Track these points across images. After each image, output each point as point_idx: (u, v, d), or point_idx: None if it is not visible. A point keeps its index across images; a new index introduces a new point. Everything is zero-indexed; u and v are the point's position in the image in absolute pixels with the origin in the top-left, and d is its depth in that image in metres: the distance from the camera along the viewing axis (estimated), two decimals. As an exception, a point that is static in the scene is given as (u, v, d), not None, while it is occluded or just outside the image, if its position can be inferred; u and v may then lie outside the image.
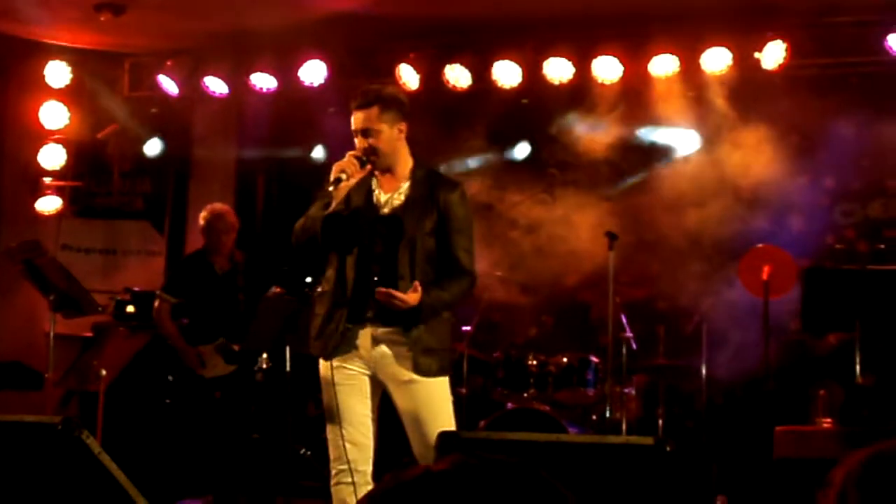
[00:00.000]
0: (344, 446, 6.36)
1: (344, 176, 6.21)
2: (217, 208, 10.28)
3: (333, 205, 6.26)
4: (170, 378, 10.05)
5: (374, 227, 6.43)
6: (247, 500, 10.04)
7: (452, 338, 6.76)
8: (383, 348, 6.37)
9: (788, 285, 9.53)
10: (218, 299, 10.06)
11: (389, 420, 6.73)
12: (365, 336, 6.38)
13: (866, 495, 2.42)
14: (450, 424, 6.38)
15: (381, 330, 6.39)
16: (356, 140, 6.40)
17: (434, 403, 6.39)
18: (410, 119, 6.57)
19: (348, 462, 6.32)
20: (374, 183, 6.51)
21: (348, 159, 6.28)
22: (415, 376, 6.35)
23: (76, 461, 4.28)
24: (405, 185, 6.50)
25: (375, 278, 6.32)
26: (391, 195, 6.49)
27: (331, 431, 6.42)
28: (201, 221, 10.22)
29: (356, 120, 6.39)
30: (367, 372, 6.41)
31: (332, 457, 6.42)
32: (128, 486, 4.33)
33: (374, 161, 6.38)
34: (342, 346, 6.39)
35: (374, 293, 6.24)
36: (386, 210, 6.47)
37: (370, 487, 6.31)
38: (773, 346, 9.50)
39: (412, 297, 6.21)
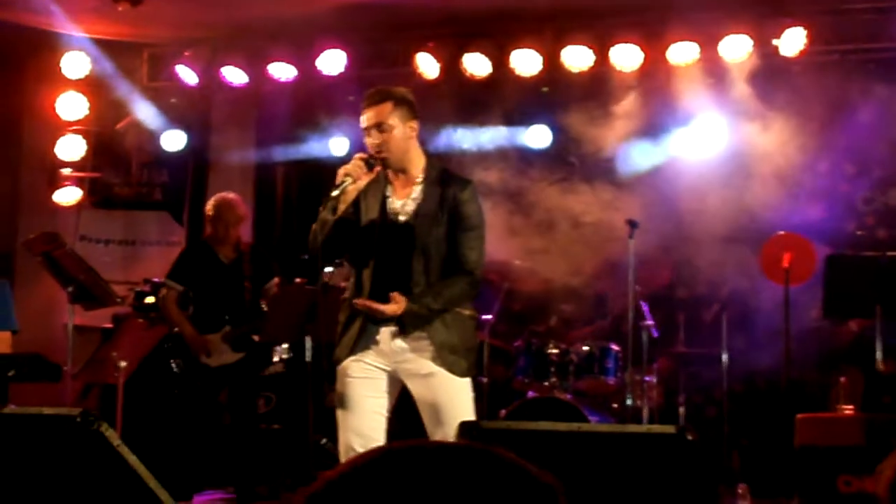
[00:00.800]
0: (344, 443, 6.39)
1: (349, 180, 6.15)
2: (226, 197, 10.24)
3: (340, 209, 6.21)
4: (173, 366, 10.02)
5: (388, 236, 6.40)
6: (267, 490, 10.05)
7: (476, 336, 6.72)
8: (403, 343, 6.34)
9: (809, 273, 9.51)
10: (223, 288, 10.02)
11: (407, 420, 6.73)
12: (385, 333, 6.35)
13: None
14: (467, 414, 6.32)
15: (401, 335, 6.36)
16: (367, 139, 6.36)
17: (456, 398, 6.35)
18: (422, 115, 6.54)
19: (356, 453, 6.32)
20: (388, 189, 6.47)
21: (354, 162, 6.23)
22: (435, 368, 6.30)
23: (95, 454, 4.27)
24: (418, 190, 6.45)
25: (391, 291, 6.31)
26: (405, 201, 6.44)
27: (343, 420, 6.41)
28: (209, 210, 10.18)
29: (368, 117, 6.34)
30: (387, 368, 6.38)
31: (341, 448, 6.42)
32: (148, 479, 4.32)
33: (387, 158, 6.33)
34: (361, 343, 6.37)
35: (389, 302, 6.24)
36: (401, 217, 6.42)
37: None
38: (793, 333, 9.47)
39: (390, 308, 6.20)
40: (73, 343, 9.82)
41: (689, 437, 4.24)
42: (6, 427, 4.64)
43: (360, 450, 6.27)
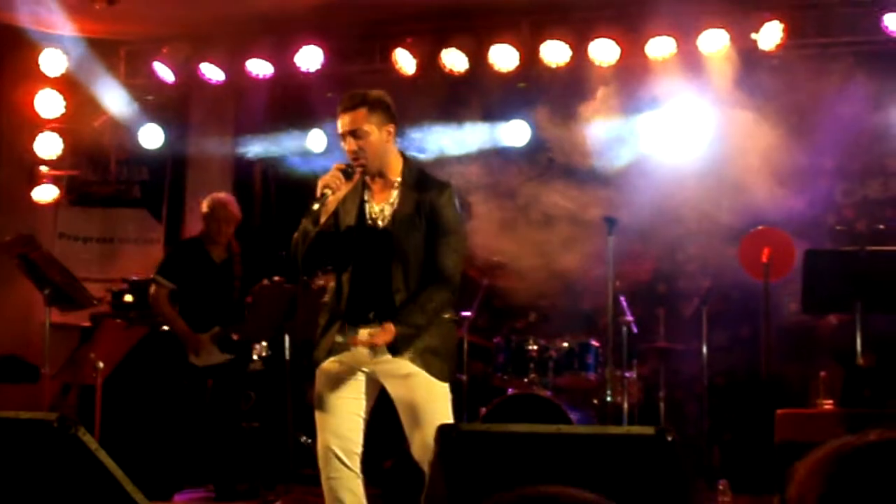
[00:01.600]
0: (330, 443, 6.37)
1: (329, 192, 6.13)
2: (220, 197, 10.27)
3: (321, 221, 6.18)
4: (159, 368, 10.02)
5: (366, 242, 6.38)
6: (247, 488, 10.04)
7: (456, 338, 6.72)
8: (382, 349, 6.31)
9: (788, 267, 9.51)
10: (214, 288, 10.04)
11: (382, 420, 6.71)
12: (363, 336, 6.33)
13: (833, 488, 2.40)
14: (444, 417, 6.30)
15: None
16: (343, 144, 6.33)
17: (434, 400, 6.33)
18: (400, 114, 6.53)
19: (333, 452, 6.32)
20: (366, 194, 6.45)
21: (333, 173, 6.18)
22: (414, 369, 6.28)
23: (73, 458, 4.25)
24: (395, 194, 6.42)
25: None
26: (382, 206, 6.42)
27: (320, 420, 6.40)
28: (204, 208, 10.21)
29: (343, 122, 6.30)
30: (365, 370, 6.37)
31: (319, 453, 6.39)
32: (125, 483, 4.30)
33: (364, 164, 6.29)
34: (339, 345, 6.36)
35: (368, 307, 6.30)
36: (379, 223, 6.40)
37: (360, 480, 6.32)
38: (773, 327, 9.48)
39: (384, 336, 6.19)
40: (51, 343, 9.79)
41: (669, 438, 4.23)
42: (-17, 431, 4.62)
43: (339, 451, 6.30)
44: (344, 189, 6.22)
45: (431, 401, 6.32)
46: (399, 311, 6.26)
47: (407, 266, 6.32)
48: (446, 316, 6.49)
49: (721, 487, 9.41)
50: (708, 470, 10.07)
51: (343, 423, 6.33)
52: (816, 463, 2.42)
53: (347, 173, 6.21)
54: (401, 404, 6.38)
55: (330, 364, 6.39)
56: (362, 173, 6.33)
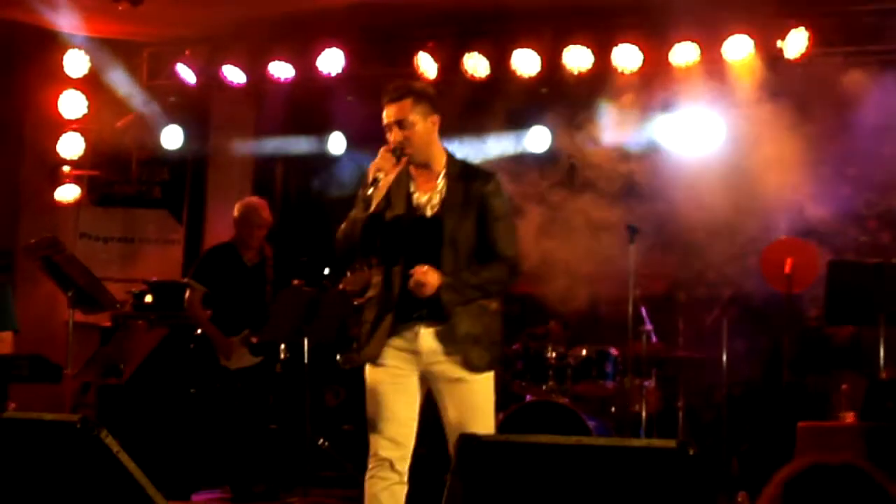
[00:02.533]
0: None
1: (381, 175, 6.14)
2: (253, 202, 10.35)
3: (373, 205, 6.17)
4: (189, 370, 10.04)
5: (416, 232, 6.36)
6: (264, 490, 10.04)
7: (501, 330, 6.71)
8: (433, 345, 6.30)
9: (811, 278, 9.48)
10: (245, 291, 10.09)
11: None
12: (414, 334, 6.32)
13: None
14: (489, 424, 6.39)
15: (430, 328, 6.33)
16: (389, 135, 6.31)
17: (478, 405, 6.36)
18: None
19: (388, 461, 6.31)
20: (411, 185, 6.43)
21: (382, 156, 6.20)
22: (464, 374, 6.29)
23: (94, 460, 4.26)
24: (442, 184, 6.42)
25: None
26: (430, 195, 6.41)
27: (372, 427, 6.36)
28: (235, 213, 10.28)
29: (389, 113, 6.31)
30: (416, 370, 6.36)
31: (371, 451, 6.37)
32: (146, 485, 4.31)
33: (410, 154, 6.29)
34: (393, 344, 6.34)
35: (419, 296, 6.23)
36: (427, 212, 6.38)
37: (404, 488, 6.31)
38: (792, 337, 9.46)
39: (432, 277, 6.15)
40: (73, 342, 9.82)
41: (690, 452, 4.22)
42: (6, 431, 4.63)
43: (393, 459, 6.28)
44: (394, 171, 6.22)
45: (476, 403, 6.35)
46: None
47: (457, 254, 6.30)
48: (493, 306, 6.49)
49: (740, 499, 9.38)
50: (727, 481, 10.03)
51: (401, 429, 6.31)
52: (779, 478, 2.50)
53: (396, 154, 6.22)
54: (445, 408, 6.38)
55: (383, 367, 6.35)
56: (407, 162, 6.32)
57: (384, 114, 6.34)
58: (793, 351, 9.50)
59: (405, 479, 6.32)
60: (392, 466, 6.28)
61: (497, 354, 6.58)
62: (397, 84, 6.47)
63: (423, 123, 6.32)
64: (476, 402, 6.36)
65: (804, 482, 2.52)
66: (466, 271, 6.31)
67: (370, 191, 6.13)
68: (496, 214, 6.42)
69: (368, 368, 6.43)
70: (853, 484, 2.49)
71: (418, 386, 6.40)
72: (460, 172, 6.47)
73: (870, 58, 10.69)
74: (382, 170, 6.16)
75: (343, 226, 6.37)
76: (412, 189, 6.43)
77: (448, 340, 6.30)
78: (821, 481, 2.50)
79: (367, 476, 6.39)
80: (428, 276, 6.15)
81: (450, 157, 6.51)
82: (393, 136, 6.29)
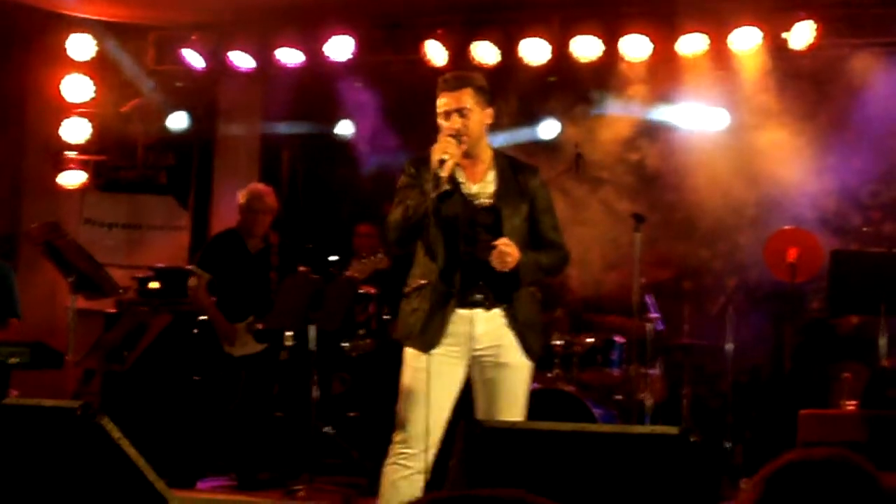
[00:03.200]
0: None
1: (447, 156, 6.20)
2: (258, 189, 10.34)
3: (441, 187, 6.18)
4: (194, 356, 10.04)
5: (474, 218, 6.43)
6: (269, 477, 10.04)
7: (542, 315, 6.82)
8: (490, 329, 6.40)
9: (815, 268, 9.49)
10: (250, 278, 10.09)
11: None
12: (470, 319, 6.39)
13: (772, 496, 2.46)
14: (522, 413, 6.51)
15: (489, 312, 6.41)
16: (444, 122, 6.38)
17: (516, 391, 6.49)
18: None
19: (415, 451, 6.33)
20: (460, 175, 6.48)
21: (446, 140, 6.29)
22: (512, 360, 6.41)
23: (95, 446, 4.26)
24: (491, 174, 6.53)
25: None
26: (480, 185, 6.51)
27: (405, 414, 6.37)
28: (241, 200, 10.27)
29: (450, 100, 6.39)
30: (465, 357, 6.42)
31: (397, 438, 6.37)
32: (147, 472, 4.31)
33: (466, 142, 6.36)
34: (447, 332, 6.37)
35: (477, 284, 6.34)
36: (483, 201, 6.46)
37: (424, 477, 6.31)
38: (796, 326, 9.46)
39: (512, 251, 6.24)
40: (76, 329, 9.82)
41: (693, 439, 4.23)
42: (7, 418, 4.64)
43: (423, 450, 6.31)
44: (458, 155, 6.29)
45: (516, 390, 6.48)
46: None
47: (514, 236, 6.37)
48: (539, 295, 6.66)
49: (743, 486, 9.39)
50: (730, 468, 10.03)
51: (441, 420, 6.35)
52: (766, 471, 2.50)
53: (458, 139, 6.30)
54: (485, 389, 6.48)
55: (443, 354, 6.37)
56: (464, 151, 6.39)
57: (441, 101, 6.43)
58: (797, 340, 9.50)
59: (427, 469, 6.33)
60: (416, 456, 6.30)
61: (544, 342, 6.82)
62: (458, 73, 6.66)
63: (480, 114, 6.45)
64: (515, 390, 6.49)
65: (786, 478, 2.51)
66: (535, 252, 6.45)
67: (439, 172, 6.17)
68: (546, 206, 6.63)
69: (412, 354, 6.46)
70: (839, 477, 2.48)
71: (463, 375, 6.47)
72: (508, 164, 6.61)
73: (876, 49, 10.66)
74: (448, 152, 6.23)
75: (396, 213, 6.38)
76: (461, 179, 6.49)
77: (507, 325, 6.42)
78: (804, 477, 2.49)
79: (388, 461, 6.40)
80: (513, 248, 6.25)
81: (495, 149, 6.65)
82: (451, 123, 6.37)
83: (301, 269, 9.72)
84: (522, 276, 6.34)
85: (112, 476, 4.30)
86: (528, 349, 6.43)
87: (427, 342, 6.37)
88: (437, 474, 6.48)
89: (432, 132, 6.48)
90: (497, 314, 6.41)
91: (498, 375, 6.43)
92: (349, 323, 10.46)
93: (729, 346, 10.13)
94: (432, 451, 6.35)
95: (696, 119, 10.98)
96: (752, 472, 8.68)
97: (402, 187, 6.46)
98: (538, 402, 9.47)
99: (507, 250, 6.22)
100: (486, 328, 6.39)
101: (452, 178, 6.36)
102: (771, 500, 2.46)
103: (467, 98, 6.38)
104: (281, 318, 9.65)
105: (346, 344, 10.66)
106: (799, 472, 2.48)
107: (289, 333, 9.95)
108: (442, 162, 6.17)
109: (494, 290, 6.37)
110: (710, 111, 10.89)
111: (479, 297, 6.37)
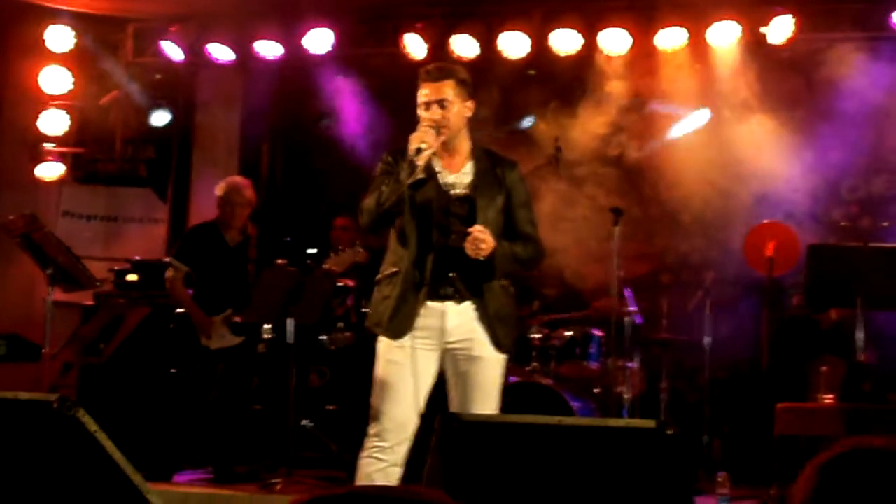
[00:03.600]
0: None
1: (424, 145, 6.23)
2: (235, 182, 10.33)
3: (415, 174, 6.23)
4: (171, 349, 10.03)
5: (448, 207, 6.45)
6: (247, 471, 10.04)
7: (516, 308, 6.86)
8: (461, 322, 6.42)
9: (792, 262, 9.51)
10: (228, 271, 10.08)
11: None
12: (441, 312, 6.41)
13: (827, 485, 2.41)
14: (495, 406, 6.53)
15: (460, 305, 6.43)
16: (424, 113, 6.42)
17: (489, 384, 6.51)
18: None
19: (389, 443, 6.34)
20: (438, 165, 6.52)
21: (424, 129, 6.33)
22: (484, 353, 6.43)
23: (72, 440, 4.24)
24: (469, 165, 6.57)
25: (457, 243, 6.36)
26: (458, 175, 6.54)
27: (378, 406, 6.39)
28: (218, 192, 10.25)
29: (431, 91, 6.44)
30: (437, 349, 6.44)
31: (371, 431, 6.39)
32: (125, 466, 4.29)
33: (445, 133, 6.40)
34: (417, 324, 6.39)
35: (449, 272, 6.37)
36: (458, 191, 6.49)
37: (399, 471, 6.33)
38: (774, 321, 9.49)
39: (488, 239, 6.26)
40: (53, 321, 9.79)
41: (669, 432, 4.23)
42: (-18, 411, 4.62)
43: (397, 443, 6.34)
44: (435, 145, 6.33)
45: (488, 383, 6.49)
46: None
47: (488, 228, 6.38)
48: (512, 289, 6.65)
49: (720, 479, 9.42)
50: (708, 462, 10.06)
51: (407, 412, 6.35)
52: (820, 460, 2.44)
53: (437, 130, 6.33)
54: (459, 383, 6.51)
55: (406, 344, 6.40)
56: (442, 142, 6.43)
57: (422, 92, 6.48)
58: (776, 334, 9.53)
59: (402, 462, 6.35)
60: (392, 448, 6.31)
61: (516, 336, 6.80)
62: (440, 65, 6.72)
63: (461, 106, 6.49)
64: (488, 383, 6.50)
65: (842, 467, 2.46)
66: (511, 243, 6.48)
67: (414, 158, 6.21)
68: (523, 200, 6.66)
69: (385, 345, 6.48)
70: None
71: (436, 367, 6.49)
72: (486, 157, 6.64)
73: (854, 44, 10.69)
74: (425, 141, 6.26)
75: (371, 198, 6.40)
76: (438, 169, 6.53)
77: (478, 318, 6.44)
78: (861, 466, 2.44)
79: (363, 454, 6.41)
80: (487, 235, 6.27)
81: (474, 142, 6.67)
82: (431, 114, 6.41)
83: (279, 262, 9.71)
84: (497, 265, 6.36)
85: (89, 469, 4.28)
86: (498, 343, 6.45)
87: (396, 330, 6.40)
88: (415, 467, 6.50)
89: (413, 125, 6.50)
90: (468, 307, 6.43)
91: (471, 369, 6.45)
92: (327, 316, 10.46)
93: (707, 340, 10.16)
94: (407, 445, 6.36)
95: (675, 113, 11.00)
96: (730, 465, 8.76)
97: (378, 174, 6.48)
98: (516, 395, 9.51)
99: (481, 237, 6.24)
100: (457, 321, 6.42)
101: (429, 168, 6.39)
102: (827, 490, 2.43)
103: (448, 89, 6.42)
104: (259, 311, 9.65)
105: (325, 337, 10.66)
106: (856, 461, 2.44)
107: (267, 326, 9.96)
108: (418, 150, 6.21)
109: (466, 282, 6.40)
110: (688, 106, 10.90)
111: (450, 289, 6.40)
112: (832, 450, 2.49)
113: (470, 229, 6.27)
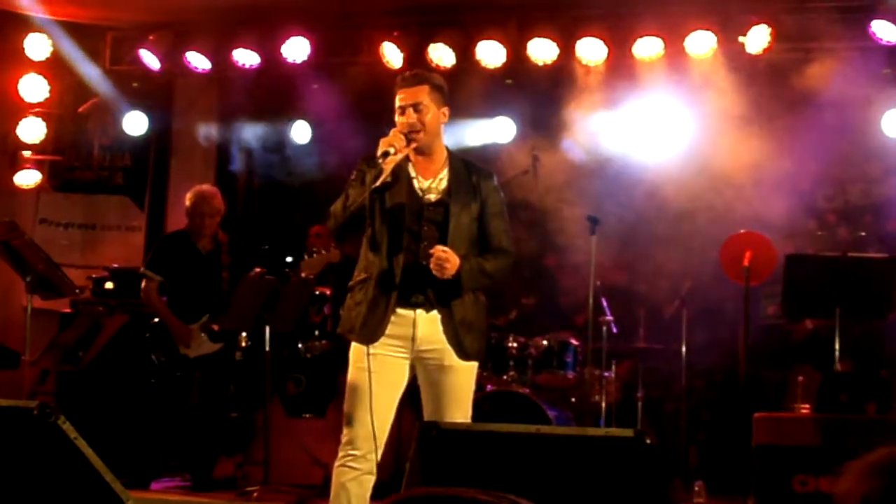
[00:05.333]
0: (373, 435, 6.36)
1: (392, 150, 6.24)
2: (203, 191, 10.29)
3: (381, 178, 6.23)
4: (153, 358, 10.01)
5: (422, 213, 6.47)
6: (224, 478, 10.04)
7: (486, 318, 6.83)
8: (429, 331, 6.43)
9: (769, 271, 9.55)
10: (201, 278, 10.06)
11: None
12: (411, 320, 6.42)
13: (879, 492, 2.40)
14: (467, 414, 6.56)
15: (429, 314, 6.44)
16: (401, 117, 6.45)
17: (461, 392, 6.52)
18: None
19: (361, 452, 6.34)
20: (412, 170, 6.54)
21: (395, 135, 6.34)
22: (454, 362, 6.43)
23: (52, 447, 4.24)
24: (444, 171, 6.58)
25: (424, 262, 6.35)
26: (432, 181, 6.55)
27: (350, 415, 6.38)
28: (186, 202, 10.24)
29: (406, 96, 6.47)
30: (408, 357, 6.45)
31: (344, 438, 6.39)
32: (104, 472, 4.30)
33: (419, 139, 6.42)
34: (388, 331, 6.40)
35: (421, 279, 6.35)
36: (431, 196, 6.51)
37: (373, 478, 6.33)
38: (751, 329, 9.51)
39: (452, 259, 6.27)
40: (31, 325, 9.78)
41: (648, 441, 4.25)
42: (-39, 418, 4.61)
43: (369, 451, 6.31)
44: (404, 152, 6.35)
45: (459, 391, 6.51)
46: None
47: (459, 236, 6.45)
48: (483, 298, 6.66)
49: (697, 488, 9.46)
50: (684, 470, 10.09)
51: (378, 421, 6.31)
52: (869, 465, 2.43)
53: (409, 137, 6.36)
54: (432, 391, 6.53)
55: (382, 350, 6.40)
56: (414, 147, 6.44)
57: (399, 97, 6.50)
58: (752, 344, 9.55)
59: (374, 469, 6.35)
60: (364, 457, 6.32)
61: (485, 345, 6.76)
62: (416, 71, 6.75)
63: (436, 112, 6.50)
64: (459, 391, 6.51)
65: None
66: (480, 258, 6.51)
67: (380, 160, 6.22)
68: (497, 210, 6.66)
69: (357, 352, 6.47)
70: None
71: (406, 375, 6.50)
72: (461, 165, 6.65)
73: (830, 54, 10.72)
74: (394, 146, 6.27)
75: (338, 202, 6.43)
76: (413, 174, 6.54)
77: (445, 326, 6.43)
78: None
79: (336, 464, 6.41)
80: (450, 255, 6.28)
81: (450, 150, 6.69)
82: (406, 119, 6.44)
83: (257, 270, 9.71)
84: (464, 283, 6.38)
85: (69, 476, 4.28)
86: (464, 351, 6.45)
87: (367, 335, 6.39)
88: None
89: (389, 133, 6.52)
90: (436, 316, 6.44)
91: (441, 378, 6.47)
92: (304, 324, 10.47)
93: (683, 350, 10.20)
94: (379, 452, 6.37)
95: (652, 122, 11.02)
96: (706, 474, 8.79)
97: (350, 181, 6.48)
98: (493, 403, 9.53)
99: (443, 256, 6.25)
100: (427, 330, 6.42)
101: (401, 173, 6.42)
102: (882, 498, 2.41)
103: (423, 95, 6.45)
104: (236, 319, 9.65)
105: (302, 345, 10.66)
106: None
107: (244, 335, 9.97)
108: (385, 154, 6.22)
109: (436, 292, 6.41)
110: (666, 115, 10.93)
111: (420, 297, 6.41)
112: (878, 453, 2.48)
113: (431, 250, 6.28)
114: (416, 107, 6.42)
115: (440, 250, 6.26)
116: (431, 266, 6.26)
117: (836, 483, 2.54)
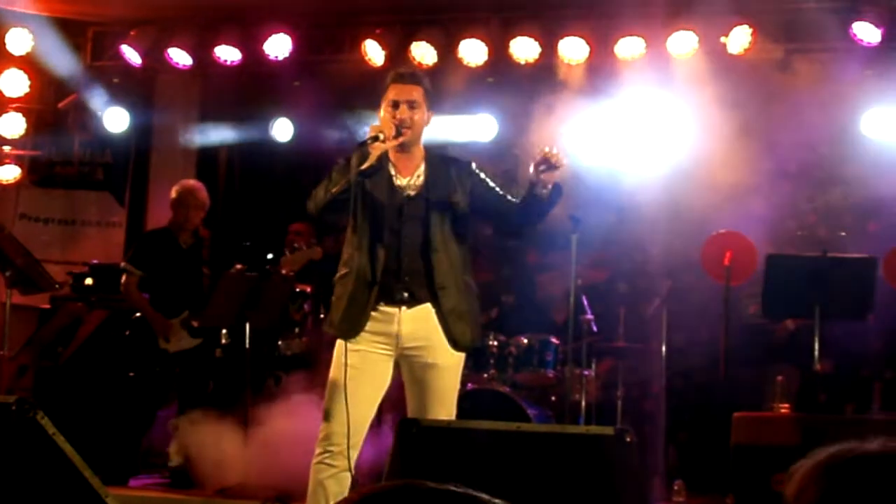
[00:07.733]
0: (348, 431, 6.34)
1: (381, 136, 6.30)
2: (189, 184, 10.35)
3: (368, 162, 6.27)
4: (128, 353, 9.99)
5: (402, 209, 6.52)
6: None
7: (479, 306, 6.84)
8: (413, 328, 6.44)
9: (749, 271, 9.57)
10: (182, 274, 10.08)
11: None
12: (393, 317, 6.43)
13: (828, 494, 2.38)
14: (452, 411, 6.52)
15: (413, 310, 6.46)
16: (391, 111, 6.50)
17: (445, 390, 6.53)
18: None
19: (340, 449, 6.34)
20: (391, 168, 6.59)
21: (385, 123, 6.43)
22: (440, 361, 6.45)
23: (30, 442, 4.23)
24: (421, 168, 6.64)
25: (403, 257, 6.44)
26: (409, 179, 6.61)
27: (329, 412, 6.38)
28: (172, 194, 10.27)
29: (402, 91, 6.54)
30: (392, 353, 6.46)
31: (321, 434, 6.39)
32: (83, 468, 4.29)
33: (407, 134, 6.47)
34: (370, 327, 6.40)
35: (404, 273, 6.42)
36: (410, 192, 6.57)
37: (350, 476, 6.32)
38: (731, 329, 9.52)
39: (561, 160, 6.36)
40: (10, 324, 9.76)
41: (628, 439, 4.25)
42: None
43: (346, 447, 6.30)
44: (391, 143, 6.39)
45: (444, 387, 6.52)
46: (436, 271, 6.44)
47: (443, 228, 6.51)
48: (472, 283, 6.70)
49: (676, 487, 9.47)
50: (664, 469, 10.10)
51: (358, 419, 6.32)
52: (816, 466, 2.42)
53: (399, 130, 6.41)
54: (416, 389, 6.54)
55: (365, 346, 6.42)
56: (401, 142, 6.48)
57: (393, 91, 6.56)
58: (732, 343, 9.56)
59: (352, 467, 6.34)
60: (342, 454, 6.31)
61: (477, 336, 6.79)
62: (414, 70, 7.03)
63: (425, 113, 6.62)
64: (444, 390, 6.52)
65: (846, 473, 2.43)
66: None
67: (368, 141, 6.29)
68: (490, 175, 6.76)
69: (340, 348, 6.47)
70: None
71: (390, 373, 6.52)
72: (440, 160, 6.74)
73: (811, 54, 10.74)
74: (383, 132, 6.34)
75: (320, 186, 6.49)
76: (393, 172, 6.59)
77: (434, 319, 6.46)
78: (864, 472, 2.41)
79: (314, 461, 6.41)
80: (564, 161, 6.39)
81: (427, 147, 6.75)
82: (400, 113, 6.49)
83: (237, 266, 9.70)
84: (554, 196, 6.51)
85: (47, 472, 4.27)
86: (455, 341, 6.46)
87: (347, 330, 6.42)
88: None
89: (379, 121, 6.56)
90: (421, 310, 6.46)
91: (426, 376, 6.47)
92: (285, 321, 10.46)
93: (663, 349, 10.21)
94: (356, 450, 6.37)
95: (632, 122, 11.02)
96: (686, 473, 8.82)
97: (335, 166, 6.54)
98: (473, 401, 9.52)
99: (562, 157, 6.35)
100: (411, 327, 6.44)
101: (382, 163, 6.44)
102: (832, 500, 2.40)
103: (418, 94, 6.55)
104: (217, 316, 9.64)
105: (282, 342, 10.65)
106: (856, 469, 2.42)
107: (223, 331, 9.96)
108: (375, 139, 6.27)
109: (417, 286, 6.44)
110: (645, 114, 10.93)
111: (403, 293, 6.43)
112: (834, 454, 2.47)
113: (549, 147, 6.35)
114: (411, 104, 6.51)
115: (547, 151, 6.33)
116: (553, 160, 6.32)
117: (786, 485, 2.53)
